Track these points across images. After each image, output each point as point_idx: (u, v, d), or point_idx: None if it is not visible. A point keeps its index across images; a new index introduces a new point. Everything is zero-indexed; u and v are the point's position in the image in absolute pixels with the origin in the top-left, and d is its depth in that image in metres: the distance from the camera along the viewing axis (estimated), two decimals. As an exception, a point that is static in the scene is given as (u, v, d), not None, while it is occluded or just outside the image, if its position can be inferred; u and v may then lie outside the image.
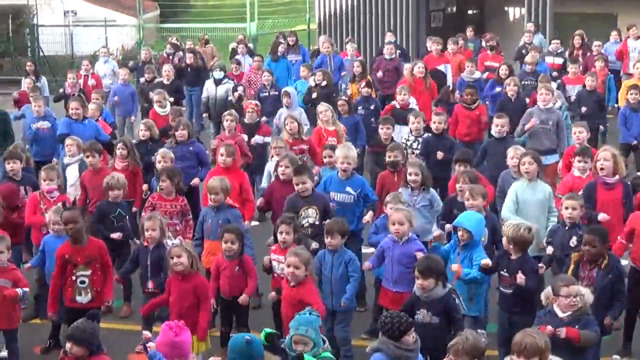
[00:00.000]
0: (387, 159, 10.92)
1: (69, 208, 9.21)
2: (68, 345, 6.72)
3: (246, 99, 16.08)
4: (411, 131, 12.72)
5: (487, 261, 8.44)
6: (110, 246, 9.51)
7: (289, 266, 8.06)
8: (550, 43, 19.15)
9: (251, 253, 9.89)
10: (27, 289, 8.80)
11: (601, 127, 15.21)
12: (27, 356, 9.27)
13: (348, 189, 10.11)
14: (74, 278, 8.88)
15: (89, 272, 8.86)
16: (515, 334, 6.45)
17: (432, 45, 18.60)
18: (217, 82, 17.17)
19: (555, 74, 17.51)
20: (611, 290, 8.12)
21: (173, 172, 10.61)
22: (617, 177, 9.72)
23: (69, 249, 8.93)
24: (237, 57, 19.78)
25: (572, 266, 8.29)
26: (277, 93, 16.17)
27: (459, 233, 8.70)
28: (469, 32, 21.18)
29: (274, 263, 8.87)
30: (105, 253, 9.04)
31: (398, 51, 19.35)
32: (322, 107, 13.29)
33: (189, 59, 19.47)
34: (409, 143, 12.52)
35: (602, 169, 9.75)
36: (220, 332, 8.97)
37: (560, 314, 7.28)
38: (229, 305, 8.99)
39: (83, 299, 8.89)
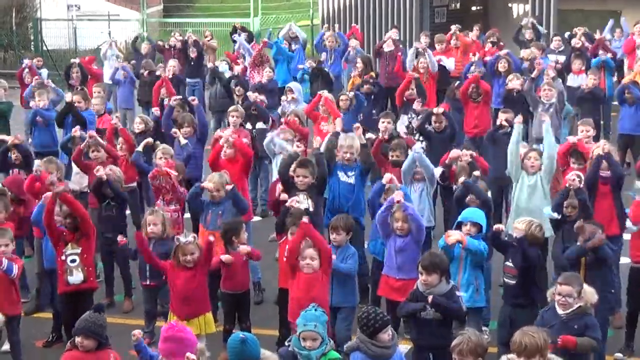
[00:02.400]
0: (390, 158, 10.90)
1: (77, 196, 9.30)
2: (78, 339, 6.76)
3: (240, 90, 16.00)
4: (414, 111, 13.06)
5: (500, 226, 8.45)
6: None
7: (305, 258, 8.07)
8: (552, 41, 18.96)
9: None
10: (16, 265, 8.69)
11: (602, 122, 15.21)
12: (29, 350, 9.27)
13: (350, 172, 10.15)
14: (63, 258, 8.92)
15: (79, 250, 8.89)
16: (515, 331, 6.43)
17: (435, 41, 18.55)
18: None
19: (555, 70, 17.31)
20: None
21: (181, 168, 10.93)
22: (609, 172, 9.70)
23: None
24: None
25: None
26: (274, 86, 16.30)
27: (466, 228, 8.63)
28: (476, 29, 21.01)
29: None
30: (93, 233, 9.12)
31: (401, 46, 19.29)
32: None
33: (192, 52, 19.40)
34: (412, 122, 12.73)
35: None
36: (224, 329, 8.96)
37: (560, 311, 7.26)
38: (233, 301, 8.99)
39: (74, 278, 8.90)
